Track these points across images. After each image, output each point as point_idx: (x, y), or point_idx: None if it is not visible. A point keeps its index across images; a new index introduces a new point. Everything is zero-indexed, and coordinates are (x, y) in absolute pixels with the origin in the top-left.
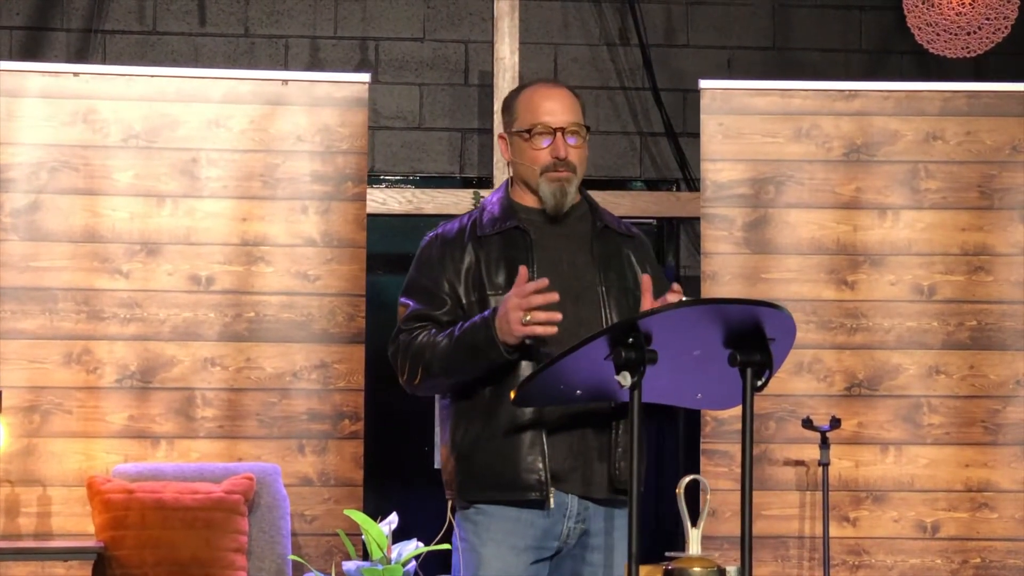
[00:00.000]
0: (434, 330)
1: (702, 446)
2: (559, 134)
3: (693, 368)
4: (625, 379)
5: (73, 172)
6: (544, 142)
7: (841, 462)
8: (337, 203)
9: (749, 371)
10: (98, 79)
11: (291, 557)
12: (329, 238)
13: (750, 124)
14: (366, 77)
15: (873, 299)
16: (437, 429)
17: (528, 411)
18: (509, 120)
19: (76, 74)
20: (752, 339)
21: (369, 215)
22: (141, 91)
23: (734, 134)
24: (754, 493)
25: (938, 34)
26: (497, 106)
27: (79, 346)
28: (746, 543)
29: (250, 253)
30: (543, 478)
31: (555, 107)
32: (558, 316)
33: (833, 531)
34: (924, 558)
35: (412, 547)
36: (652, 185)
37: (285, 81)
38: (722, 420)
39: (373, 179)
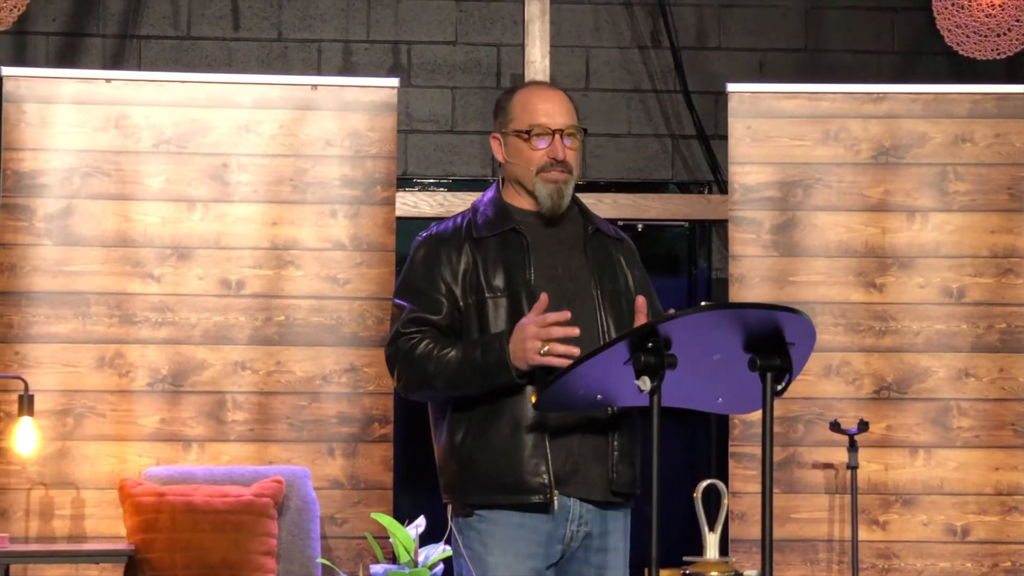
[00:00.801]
0: (432, 337)
1: (730, 449)
2: (557, 135)
3: (713, 372)
4: (645, 384)
5: (105, 177)
6: (541, 143)
7: (870, 465)
8: (366, 207)
9: (769, 375)
10: (130, 85)
11: (320, 560)
12: (358, 242)
13: (778, 127)
14: (395, 81)
15: (902, 302)
16: (432, 432)
17: (529, 414)
18: (504, 120)
19: (108, 80)
20: (772, 344)
21: (401, 218)
22: (172, 97)
23: (762, 137)
24: (783, 496)
25: (968, 36)
26: None
27: (111, 350)
28: (767, 546)
29: (280, 257)
30: (547, 481)
31: (552, 108)
32: (576, 350)
33: (862, 535)
34: (954, 562)
35: (439, 551)
36: (683, 188)
37: (315, 86)
38: (750, 423)
39: (406, 182)
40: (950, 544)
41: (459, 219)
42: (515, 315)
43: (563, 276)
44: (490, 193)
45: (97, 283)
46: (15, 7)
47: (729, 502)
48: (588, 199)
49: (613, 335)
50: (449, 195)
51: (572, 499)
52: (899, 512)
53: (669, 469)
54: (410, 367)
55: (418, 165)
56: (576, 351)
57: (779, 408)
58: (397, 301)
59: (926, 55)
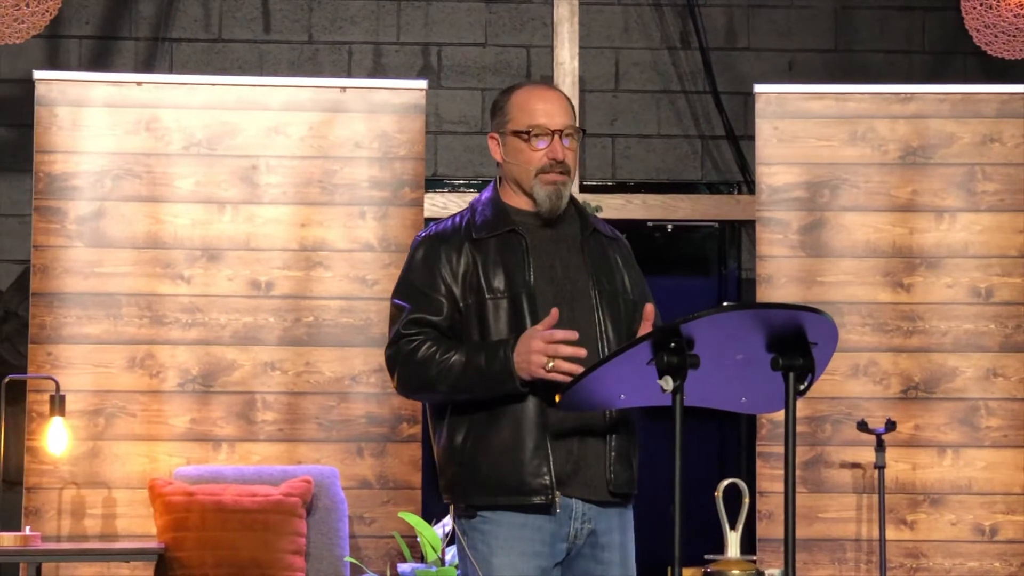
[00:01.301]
0: (434, 339)
1: (758, 449)
2: (556, 136)
3: (736, 372)
4: (667, 384)
5: (136, 180)
6: (540, 144)
7: (898, 465)
8: (395, 208)
9: (791, 375)
10: (160, 88)
11: (347, 559)
12: (387, 243)
13: (805, 128)
14: (423, 83)
15: (929, 301)
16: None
17: (529, 416)
18: (502, 120)
19: (139, 83)
20: (794, 343)
21: (430, 219)
22: (202, 100)
23: (789, 138)
24: (811, 496)
25: (996, 36)
26: None
27: (142, 350)
28: (790, 546)
29: (309, 258)
30: (548, 482)
31: (552, 109)
32: (580, 369)
33: (890, 534)
34: (982, 561)
35: None
36: (713, 188)
37: (343, 88)
38: (778, 423)
39: (436, 183)
40: (978, 544)
41: (457, 219)
42: (515, 317)
43: (561, 277)
44: (487, 193)
45: (128, 284)
46: (47, 11)
47: (757, 501)
48: (617, 200)
49: (611, 336)
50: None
51: (573, 499)
52: (927, 512)
53: (699, 469)
54: (411, 369)
55: (448, 166)
56: (580, 370)
57: (807, 408)
58: (396, 301)
59: (957, 55)
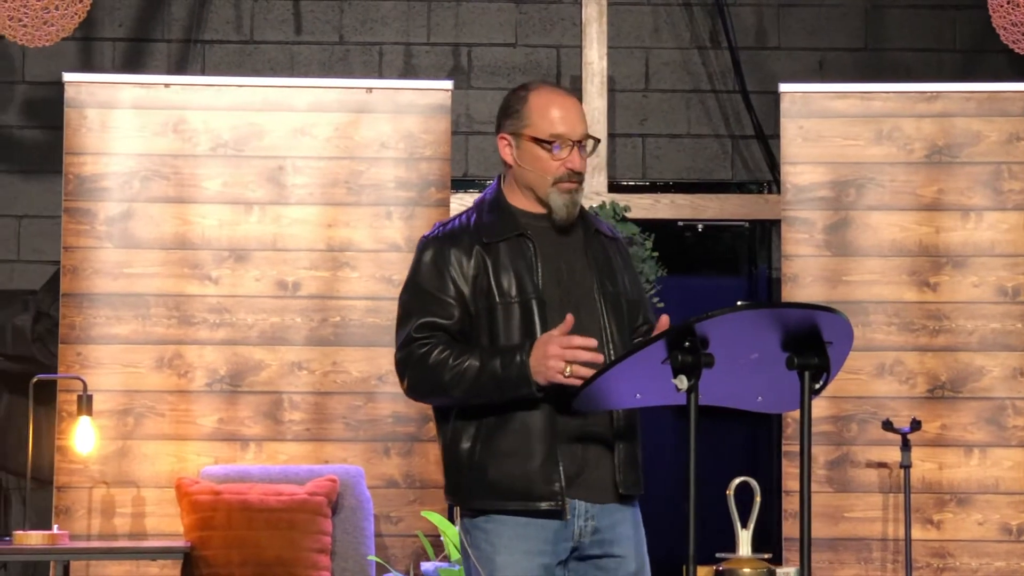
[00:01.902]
0: (446, 344)
1: (783, 448)
2: (575, 147)
3: (752, 371)
4: (682, 383)
5: (164, 181)
6: (560, 153)
7: (924, 464)
8: (421, 208)
9: (807, 374)
10: (188, 90)
11: (371, 558)
12: (413, 243)
13: (831, 127)
14: (449, 84)
15: (956, 301)
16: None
17: (538, 420)
18: (518, 123)
19: (167, 85)
20: (809, 342)
21: None
22: (229, 101)
23: (815, 137)
24: (837, 495)
25: None
26: (585, 111)
27: (170, 351)
28: (805, 544)
29: (336, 258)
30: (559, 489)
31: (572, 117)
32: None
33: (917, 534)
34: (1009, 561)
35: None
36: (743, 188)
37: (369, 89)
38: None
39: (468, 183)
40: (1005, 543)
41: (464, 219)
42: (526, 321)
43: (568, 281)
44: (491, 193)
45: (156, 285)
46: (75, 14)
47: (783, 501)
48: (646, 200)
49: (615, 338)
50: None
51: (577, 500)
52: (954, 511)
53: (728, 468)
54: (423, 374)
55: (479, 166)
56: (587, 374)
57: (832, 407)
58: (406, 303)
59: (988, 53)
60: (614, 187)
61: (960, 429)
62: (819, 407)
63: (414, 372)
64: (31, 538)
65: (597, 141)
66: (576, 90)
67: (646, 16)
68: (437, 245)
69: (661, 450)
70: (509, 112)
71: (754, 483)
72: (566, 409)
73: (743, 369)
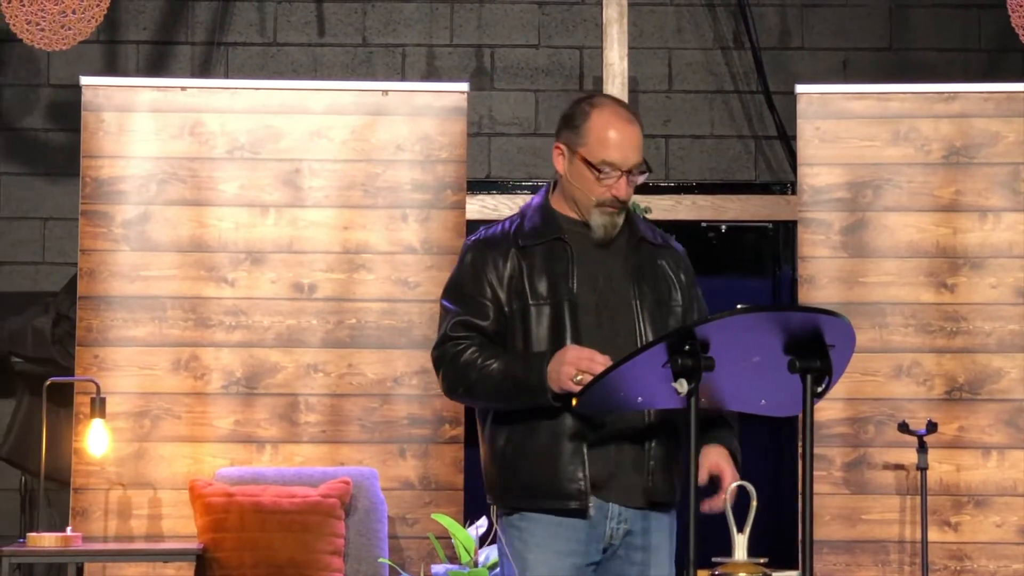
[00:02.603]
0: (479, 345)
1: (799, 450)
2: (625, 176)
3: (754, 374)
4: (682, 386)
5: (181, 184)
6: (608, 178)
7: (942, 466)
8: (437, 211)
9: (809, 377)
10: (204, 93)
11: (381, 560)
12: (429, 245)
13: (848, 128)
14: (464, 86)
15: (973, 302)
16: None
17: (568, 423)
18: (575, 138)
19: (183, 88)
20: (812, 346)
21: (478, 220)
22: (246, 104)
23: (831, 138)
24: (854, 497)
25: None
26: None
27: (187, 353)
28: (807, 547)
29: (352, 261)
30: (583, 487)
31: (627, 145)
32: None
33: (934, 536)
34: None
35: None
36: (767, 189)
37: (385, 92)
38: (820, 424)
39: (490, 185)
40: (1023, 546)
41: (507, 224)
42: (557, 323)
43: (604, 287)
44: (539, 198)
45: (173, 287)
46: (92, 18)
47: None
48: (667, 201)
49: None
50: (528, 197)
51: (611, 503)
52: (971, 513)
53: (751, 470)
54: (455, 372)
55: (501, 168)
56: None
57: (849, 409)
58: (445, 303)
59: (1013, 53)
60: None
61: (978, 431)
62: (836, 409)
63: (447, 370)
64: (44, 540)
65: (649, 170)
66: (596, 91)
67: (669, 17)
68: (477, 249)
69: None
70: (569, 124)
71: (750, 488)
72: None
73: (745, 372)
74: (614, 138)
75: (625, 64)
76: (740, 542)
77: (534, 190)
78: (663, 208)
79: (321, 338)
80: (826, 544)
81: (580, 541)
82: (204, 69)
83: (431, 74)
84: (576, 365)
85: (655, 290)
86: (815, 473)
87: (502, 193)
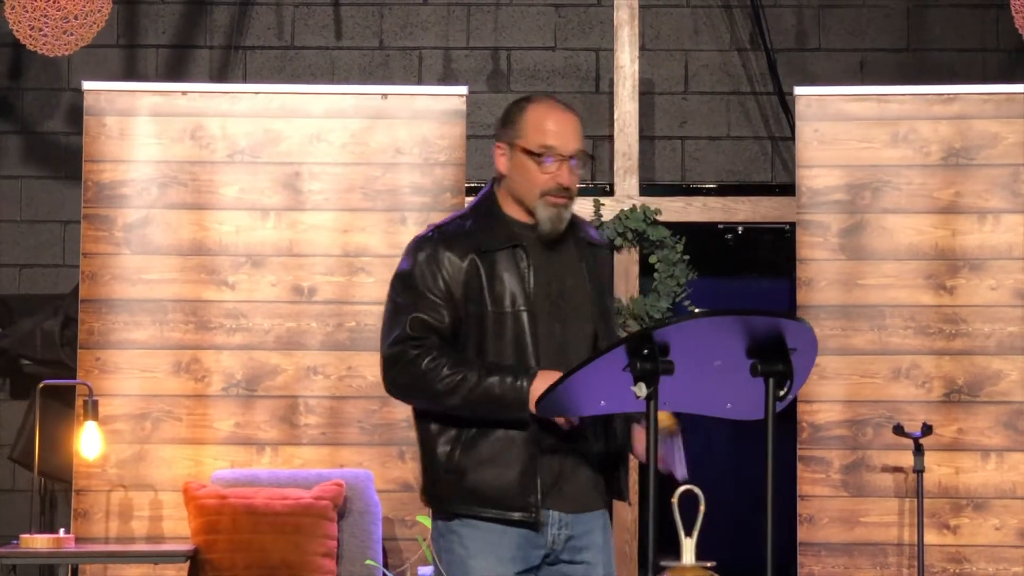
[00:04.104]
0: (439, 350)
1: (799, 452)
2: (566, 161)
3: (717, 378)
4: (641, 390)
5: (181, 187)
6: (551, 166)
7: (941, 469)
8: (436, 214)
9: (771, 381)
10: (205, 97)
11: (368, 562)
12: None
13: (846, 130)
14: (463, 90)
15: (973, 304)
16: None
17: (519, 430)
18: (512, 133)
19: (184, 93)
20: (774, 350)
21: None
22: (245, 108)
23: (830, 140)
24: (852, 500)
25: None
26: (616, 114)
27: (187, 355)
28: (769, 551)
29: (351, 264)
30: (535, 500)
31: (565, 131)
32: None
33: (933, 539)
34: None
35: None
36: (784, 190)
37: (385, 95)
38: (818, 426)
39: None
40: (1022, 548)
41: (460, 223)
42: (517, 333)
43: (557, 294)
44: (485, 201)
45: (174, 291)
46: (94, 24)
47: (797, 505)
48: (678, 203)
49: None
50: None
51: (552, 510)
52: (970, 516)
53: (741, 472)
54: (412, 377)
55: None
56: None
57: (848, 411)
58: (396, 299)
59: None
60: (644, 190)
61: (977, 433)
62: (834, 411)
63: (403, 372)
64: (37, 541)
65: (591, 158)
66: (610, 93)
67: (685, 18)
68: (432, 246)
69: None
70: (506, 122)
71: (699, 492)
72: (548, 420)
73: (707, 376)
74: (552, 125)
75: (636, 66)
76: (688, 546)
77: None
78: (674, 210)
79: (321, 341)
80: (824, 547)
81: (521, 547)
82: (222, 73)
83: (448, 77)
84: None
85: (601, 292)
86: (811, 475)
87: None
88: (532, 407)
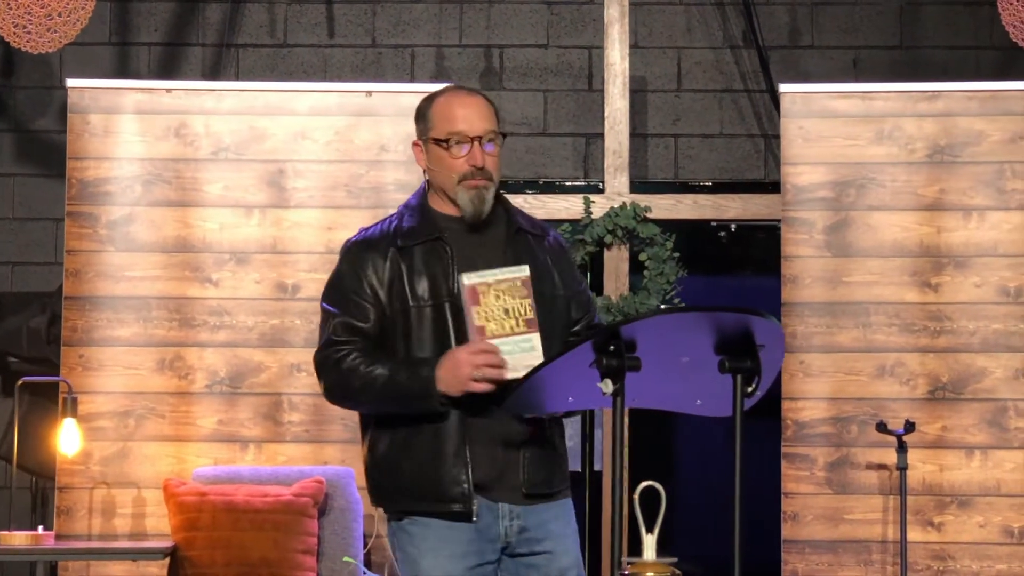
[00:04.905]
0: (361, 350)
1: (783, 450)
2: (476, 143)
3: (685, 375)
4: (607, 386)
5: (165, 185)
6: (462, 150)
7: (925, 466)
8: None
9: (739, 378)
10: (189, 95)
11: (345, 559)
12: None
13: (831, 127)
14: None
15: (957, 301)
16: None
17: (450, 425)
18: (424, 128)
19: (168, 90)
20: (742, 346)
21: None
22: (230, 106)
23: (815, 137)
24: (836, 497)
25: None
26: (607, 112)
27: (171, 353)
28: (736, 547)
29: (335, 261)
30: (467, 491)
31: (471, 115)
32: (504, 374)
33: (918, 536)
34: (1011, 564)
35: None
36: (777, 187)
37: (369, 92)
38: (803, 424)
39: (503, 185)
40: (1007, 546)
41: (385, 224)
42: (439, 325)
43: None
44: (415, 198)
45: (158, 288)
46: (77, 21)
47: (782, 502)
48: (667, 200)
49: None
50: (530, 197)
51: (499, 502)
52: (955, 513)
53: (725, 469)
54: (336, 378)
55: (511, 167)
56: (504, 375)
57: (832, 409)
58: (325, 306)
59: None
60: (634, 187)
61: (961, 431)
62: (819, 409)
63: (329, 376)
64: (14, 538)
65: (503, 136)
66: (603, 91)
67: (678, 16)
68: (356, 250)
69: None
70: (418, 119)
71: (660, 488)
72: (480, 413)
73: (677, 373)
74: (456, 110)
75: (627, 64)
76: (649, 542)
77: (542, 190)
78: (664, 207)
79: (305, 338)
80: (808, 544)
81: (472, 542)
82: (215, 71)
83: (440, 74)
84: (472, 363)
85: (540, 281)
86: (796, 473)
87: (510, 193)
88: (439, 394)
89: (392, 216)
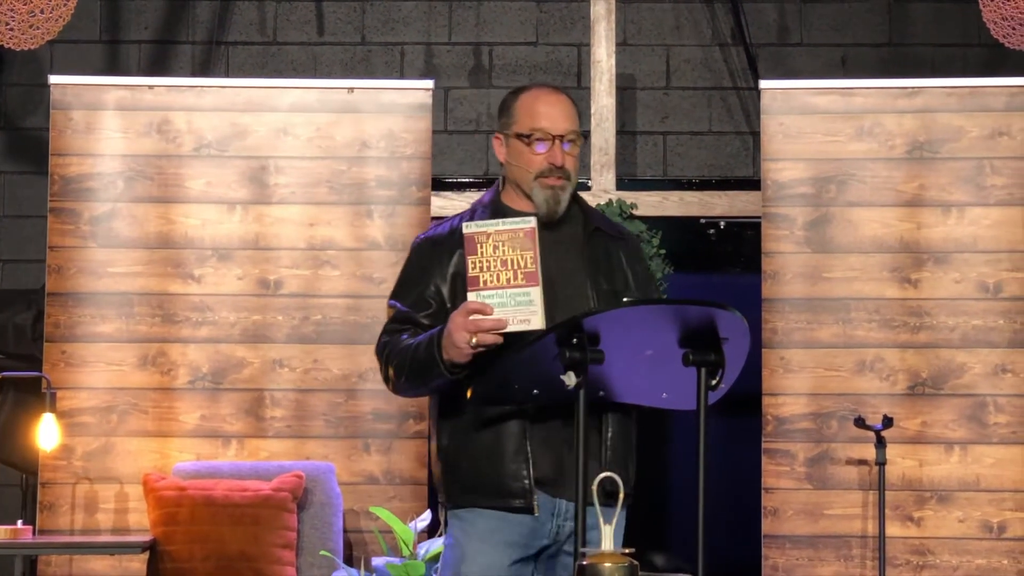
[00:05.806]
0: (410, 334)
1: (763, 445)
2: (557, 141)
3: (650, 368)
4: (570, 379)
5: (148, 181)
6: (541, 148)
7: (904, 461)
8: (402, 207)
9: (703, 371)
10: (171, 91)
11: (322, 553)
12: (394, 242)
13: (811, 123)
14: (429, 83)
15: (937, 297)
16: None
17: (513, 419)
18: (507, 122)
19: (151, 87)
20: (706, 339)
21: (435, 217)
22: (212, 102)
23: (795, 134)
24: (816, 492)
25: (1014, 28)
26: (593, 109)
27: (154, 349)
28: (700, 542)
29: (317, 257)
30: (527, 486)
31: (555, 113)
32: (499, 340)
33: (897, 531)
34: (990, 558)
35: (439, 544)
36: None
37: (351, 89)
38: (783, 419)
39: (488, 182)
40: (986, 541)
41: (456, 220)
42: None
43: (557, 280)
44: (489, 194)
45: (140, 284)
46: (60, 17)
47: (762, 497)
48: (653, 197)
49: None
50: None
51: (558, 499)
52: (934, 508)
53: (717, 468)
54: (384, 363)
55: (495, 164)
56: (499, 340)
57: (812, 404)
58: (390, 302)
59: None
60: (621, 184)
61: (941, 426)
62: (799, 404)
63: (381, 363)
64: None
65: (584, 137)
66: (587, 88)
67: (666, 13)
68: (424, 245)
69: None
70: (502, 111)
71: (619, 479)
72: (547, 411)
73: (640, 366)
74: (540, 107)
75: (613, 61)
76: (607, 533)
77: None
78: (650, 204)
79: (287, 334)
80: (788, 539)
81: (523, 535)
82: (205, 68)
83: (429, 72)
84: (463, 327)
85: (610, 281)
86: (776, 468)
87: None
88: (447, 363)
89: (465, 212)
